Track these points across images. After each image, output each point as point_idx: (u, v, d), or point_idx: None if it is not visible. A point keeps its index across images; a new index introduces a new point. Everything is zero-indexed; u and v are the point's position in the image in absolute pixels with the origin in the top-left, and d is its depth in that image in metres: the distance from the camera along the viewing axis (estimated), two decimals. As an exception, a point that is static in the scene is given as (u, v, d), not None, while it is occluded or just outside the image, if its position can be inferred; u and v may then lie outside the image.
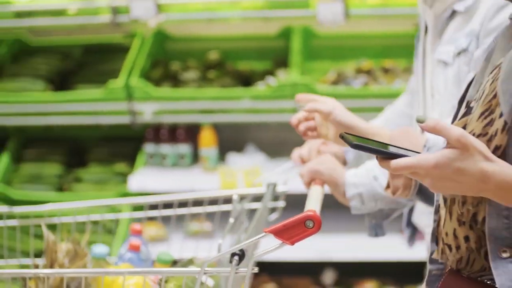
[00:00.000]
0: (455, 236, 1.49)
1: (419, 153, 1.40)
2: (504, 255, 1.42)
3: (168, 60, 4.13)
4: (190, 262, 2.22)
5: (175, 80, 3.98)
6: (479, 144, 1.35)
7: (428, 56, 2.26)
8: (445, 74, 2.15)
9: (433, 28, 2.20)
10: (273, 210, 2.22)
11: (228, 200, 2.20)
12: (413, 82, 2.40)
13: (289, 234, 1.59)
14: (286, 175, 2.26)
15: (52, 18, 3.80)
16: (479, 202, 1.45)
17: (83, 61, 4.20)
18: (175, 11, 3.65)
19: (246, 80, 3.93)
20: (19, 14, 3.81)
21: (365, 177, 2.07)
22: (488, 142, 1.41)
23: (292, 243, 1.59)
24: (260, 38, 4.17)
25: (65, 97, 3.91)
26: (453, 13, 2.14)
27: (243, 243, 1.64)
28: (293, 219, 1.59)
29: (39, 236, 2.26)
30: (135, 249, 2.13)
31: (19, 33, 4.26)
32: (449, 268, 1.53)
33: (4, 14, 3.80)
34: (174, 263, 2.22)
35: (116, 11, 3.66)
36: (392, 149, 1.39)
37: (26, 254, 2.52)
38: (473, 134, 1.42)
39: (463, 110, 1.53)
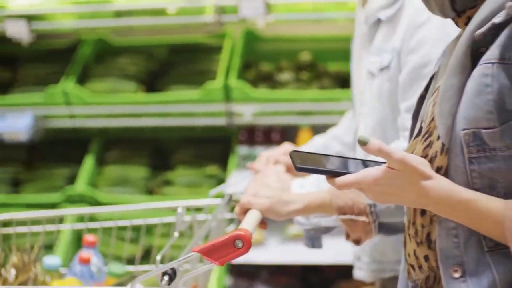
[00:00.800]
0: (416, 256, 1.53)
1: (373, 161, 1.47)
2: (456, 275, 1.45)
3: (258, 61, 4.08)
4: (131, 278, 2.17)
5: (269, 81, 3.92)
6: (420, 163, 1.42)
7: (355, 63, 2.21)
8: (371, 86, 2.09)
9: (362, 33, 2.14)
10: (230, 221, 2.15)
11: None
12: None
13: (218, 254, 1.54)
14: (243, 185, 2.13)
15: (154, 17, 3.72)
16: (431, 222, 1.49)
17: (169, 62, 4.12)
18: (282, 12, 3.60)
19: (343, 81, 3.88)
20: (119, 14, 3.73)
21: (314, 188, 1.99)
22: (430, 164, 1.46)
23: (221, 264, 1.54)
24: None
25: (159, 98, 3.84)
26: (379, 20, 2.07)
27: (173, 262, 1.58)
28: (222, 238, 1.55)
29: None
30: (85, 262, 2.07)
31: (101, 33, 4.18)
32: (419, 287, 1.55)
33: (104, 14, 3.72)
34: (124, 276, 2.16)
35: (221, 10, 3.59)
36: (335, 166, 1.46)
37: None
38: None
39: (418, 127, 1.58)
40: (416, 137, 1.56)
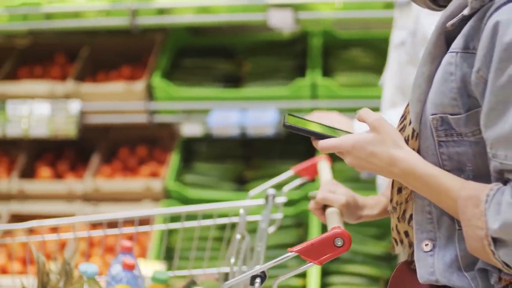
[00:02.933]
0: (397, 231, 1.63)
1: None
2: (426, 248, 1.53)
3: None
4: (192, 283, 2.17)
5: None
6: (392, 131, 1.52)
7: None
8: (394, 56, 2.35)
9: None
10: (271, 222, 2.13)
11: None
12: None
13: (317, 253, 1.53)
14: (286, 186, 2.19)
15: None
16: (406, 201, 1.58)
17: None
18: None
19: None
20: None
21: None
22: None
23: (321, 263, 1.53)
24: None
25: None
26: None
27: (266, 264, 1.56)
28: (321, 237, 1.54)
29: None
30: (129, 268, 2.02)
31: (328, 26, 4.08)
32: (404, 260, 1.64)
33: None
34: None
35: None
36: (320, 131, 1.59)
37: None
38: None
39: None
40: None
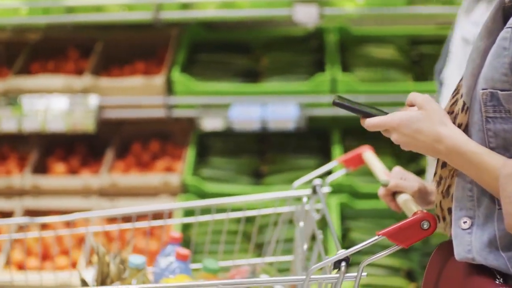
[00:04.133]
0: (441, 207, 1.64)
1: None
2: (464, 225, 1.54)
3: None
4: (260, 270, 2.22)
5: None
6: (438, 109, 1.54)
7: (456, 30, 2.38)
8: (465, 51, 2.25)
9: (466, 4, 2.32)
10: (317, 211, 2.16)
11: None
12: None
13: (404, 236, 1.56)
14: (332, 176, 2.24)
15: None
16: (451, 176, 1.59)
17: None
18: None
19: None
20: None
21: None
22: (454, 120, 1.57)
23: (407, 246, 1.57)
24: None
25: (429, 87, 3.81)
26: None
27: (354, 247, 1.57)
28: (409, 220, 1.56)
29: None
30: (183, 258, 2.03)
31: (343, 22, 4.13)
32: (446, 240, 1.65)
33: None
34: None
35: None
36: (369, 110, 1.62)
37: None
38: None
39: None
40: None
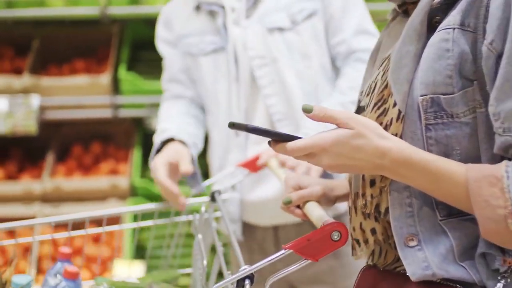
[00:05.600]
0: (362, 230, 1.52)
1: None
2: (411, 243, 1.43)
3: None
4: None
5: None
6: (369, 122, 1.38)
7: (238, 36, 2.31)
8: (286, 39, 2.29)
9: (244, 6, 2.31)
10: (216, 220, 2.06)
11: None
12: (180, 89, 2.46)
13: (314, 249, 1.42)
14: (230, 181, 2.16)
15: None
16: (380, 193, 1.47)
17: None
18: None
19: None
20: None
21: None
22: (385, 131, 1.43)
23: (317, 260, 1.42)
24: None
25: None
26: None
27: (259, 264, 1.41)
28: (317, 231, 1.43)
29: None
30: (72, 276, 1.83)
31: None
32: (366, 263, 1.56)
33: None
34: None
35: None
36: (277, 132, 1.38)
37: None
38: None
39: (364, 102, 1.56)
40: (361, 112, 1.56)
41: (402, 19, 1.56)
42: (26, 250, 3.60)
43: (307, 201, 1.68)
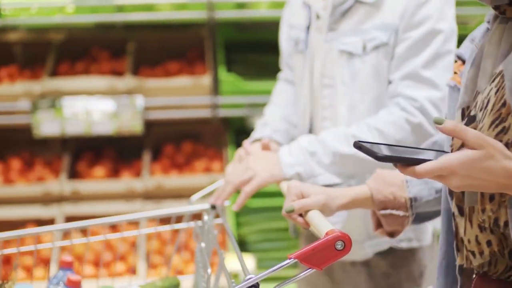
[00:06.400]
0: (478, 242, 1.52)
1: (434, 150, 1.44)
2: None
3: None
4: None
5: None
6: (495, 143, 1.37)
7: (317, 47, 2.28)
8: (352, 65, 2.20)
9: (328, 18, 2.24)
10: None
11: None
12: (290, 75, 2.49)
13: (318, 258, 1.45)
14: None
15: None
16: (498, 208, 1.47)
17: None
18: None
19: None
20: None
21: (301, 155, 2.11)
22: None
23: (321, 268, 1.45)
24: None
25: None
26: (355, 4, 2.20)
27: (264, 273, 1.43)
28: (322, 241, 1.46)
29: None
30: (74, 285, 1.82)
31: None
32: (476, 272, 1.56)
33: None
34: None
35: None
36: (411, 154, 1.39)
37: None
38: None
39: (459, 116, 1.56)
40: (471, 122, 1.53)
41: (500, 25, 1.49)
42: (132, 245, 3.73)
43: (309, 210, 1.73)
